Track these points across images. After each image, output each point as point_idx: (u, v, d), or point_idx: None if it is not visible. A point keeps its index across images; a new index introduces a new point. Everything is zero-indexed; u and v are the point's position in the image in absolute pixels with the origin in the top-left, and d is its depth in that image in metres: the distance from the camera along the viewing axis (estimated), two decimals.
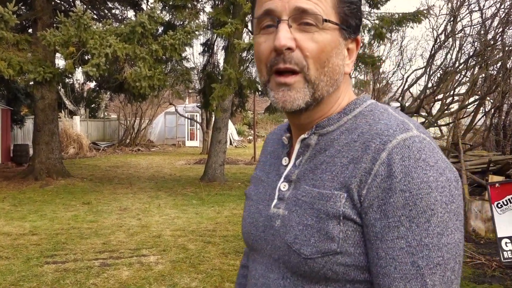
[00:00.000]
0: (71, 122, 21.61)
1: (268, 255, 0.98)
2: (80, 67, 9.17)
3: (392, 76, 13.82)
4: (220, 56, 24.35)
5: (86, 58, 10.48)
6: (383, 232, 0.81)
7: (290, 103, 0.91)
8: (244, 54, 12.49)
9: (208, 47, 14.30)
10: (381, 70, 11.80)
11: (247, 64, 12.47)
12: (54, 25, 11.07)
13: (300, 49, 0.89)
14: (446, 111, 10.73)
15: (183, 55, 10.52)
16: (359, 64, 11.19)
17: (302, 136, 0.98)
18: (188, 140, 28.83)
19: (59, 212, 8.83)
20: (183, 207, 9.46)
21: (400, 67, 13.46)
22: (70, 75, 13.48)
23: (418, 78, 10.38)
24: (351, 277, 0.86)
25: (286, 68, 0.89)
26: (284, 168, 1.00)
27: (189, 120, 27.85)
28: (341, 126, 0.93)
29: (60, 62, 14.83)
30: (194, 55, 24.49)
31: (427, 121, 9.57)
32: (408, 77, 10.76)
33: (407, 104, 10.53)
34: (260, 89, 12.99)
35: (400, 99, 10.25)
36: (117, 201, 9.98)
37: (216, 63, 15.05)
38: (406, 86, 10.51)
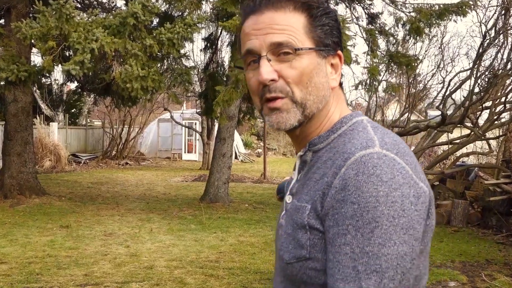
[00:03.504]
0: (47, 130, 21.70)
1: (278, 261, 1.28)
2: (60, 65, 9.22)
3: (430, 79, 13.77)
4: (225, 54, 24.47)
5: (68, 55, 10.56)
6: (333, 238, 1.06)
7: (283, 124, 1.21)
8: None
9: (211, 43, 14.35)
10: (417, 72, 11.77)
11: None
12: (31, 15, 11.18)
13: (282, 78, 1.18)
14: (496, 122, 10.70)
15: (182, 51, 10.56)
16: (391, 64, 11.18)
17: (299, 153, 1.28)
18: (185, 152, 28.88)
19: (33, 236, 8.84)
20: (180, 232, 9.43)
21: (440, 69, 13.43)
22: (48, 74, 13.56)
23: (462, 82, 10.36)
24: (322, 280, 1.11)
25: (272, 96, 1.19)
26: (292, 181, 1.31)
27: (186, 129, 27.91)
28: (329, 144, 1.21)
29: (36, 58, 14.93)
30: (194, 52, 24.51)
31: (472, 133, 9.52)
32: (451, 80, 10.64)
33: (449, 113, 10.49)
34: None
35: (441, 106, 10.21)
36: (101, 225, 9.97)
37: (220, 62, 15.11)
38: (448, 91, 10.47)
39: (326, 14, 1.23)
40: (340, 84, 1.30)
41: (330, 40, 1.23)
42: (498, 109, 10.51)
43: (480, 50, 9.73)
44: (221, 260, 7.52)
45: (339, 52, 1.25)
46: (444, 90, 10.66)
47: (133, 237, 8.95)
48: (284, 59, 1.18)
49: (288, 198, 1.27)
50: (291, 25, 1.19)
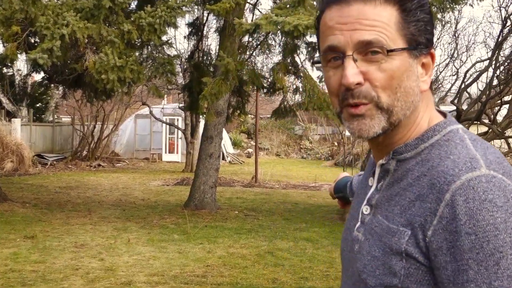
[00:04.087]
0: (8, 127, 21.55)
1: (350, 276, 1.29)
2: (25, 53, 9.16)
3: (443, 70, 13.81)
4: (212, 41, 24.44)
5: (34, 42, 10.50)
6: (454, 275, 1.04)
7: (366, 131, 1.19)
8: (246, 38, 12.52)
9: (196, 29, 14.32)
10: None
11: (251, 52, 12.47)
12: None
13: (369, 81, 1.15)
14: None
15: (165, 38, 10.55)
16: None
17: (380, 162, 1.25)
18: (166, 153, 28.77)
19: None
20: (161, 243, 9.40)
21: (453, 58, 13.46)
22: (10, 64, 13.49)
23: (480, 74, 10.38)
24: None
25: (355, 103, 1.17)
26: (369, 188, 1.30)
27: (168, 126, 27.80)
28: (418, 154, 1.19)
29: None
30: (177, 40, 24.49)
31: (490, 131, 9.57)
32: (467, 71, 10.65)
33: (464, 108, 10.52)
34: (266, 85, 13.03)
35: (456, 101, 10.24)
36: (71, 235, 9.92)
37: (207, 50, 15.08)
38: (463, 84, 10.51)
39: (421, 7, 1.19)
40: (430, 86, 1.26)
41: (423, 37, 1.20)
42: None
43: (500, 38, 9.78)
44: (209, 274, 7.51)
45: (432, 50, 1.22)
46: (458, 82, 10.69)
47: (108, 249, 8.91)
48: (372, 59, 1.16)
49: (365, 209, 1.27)
50: (382, 21, 1.16)
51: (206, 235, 10.14)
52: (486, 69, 10.25)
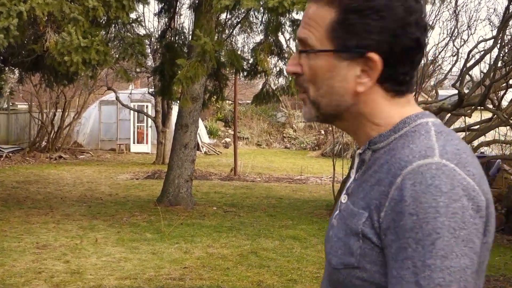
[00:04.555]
0: None
1: (327, 265, 1.45)
2: None
3: (442, 50, 13.80)
4: (186, 19, 24.30)
5: None
6: (396, 253, 1.21)
7: (304, 116, 1.48)
8: (224, 15, 12.45)
9: (168, 5, 14.22)
10: (427, 42, 11.82)
11: (230, 31, 12.41)
12: None
13: (303, 73, 1.39)
14: None
15: (134, 16, 10.47)
16: None
17: (358, 151, 1.43)
18: (134, 143, 28.62)
19: None
20: (133, 243, 9.38)
21: (453, 37, 13.51)
22: None
23: (484, 54, 10.41)
24: None
25: (297, 90, 1.45)
26: (350, 179, 1.48)
27: (136, 114, 27.66)
28: (389, 144, 1.35)
29: None
30: (146, 17, 24.29)
31: (495, 117, 9.63)
32: (470, 51, 10.65)
33: (467, 91, 10.58)
34: (246, 68, 12.99)
35: (458, 84, 10.28)
36: (32, 234, 9.86)
37: (180, 29, 15.00)
38: (465, 66, 10.55)
39: (360, 12, 1.31)
40: (399, 90, 1.38)
41: (355, 41, 1.32)
42: None
43: (506, 15, 9.81)
44: (187, 277, 7.51)
45: (371, 55, 1.32)
46: (459, 64, 10.73)
47: (73, 250, 8.87)
48: (306, 55, 1.38)
49: (343, 198, 1.44)
50: (316, 20, 1.35)
51: (182, 233, 10.13)
52: (490, 49, 10.29)
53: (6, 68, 20.47)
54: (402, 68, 1.35)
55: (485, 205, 1.24)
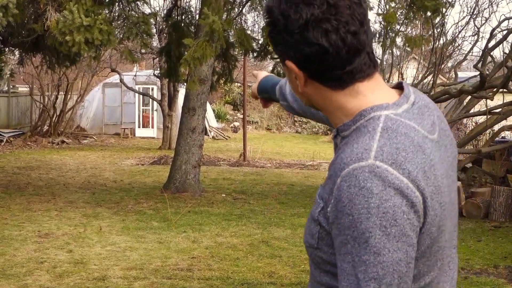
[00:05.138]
0: None
1: None
2: None
3: (463, 29, 13.57)
4: None
5: None
6: (339, 247, 1.40)
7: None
8: None
9: None
10: (446, 21, 11.67)
11: (240, 9, 12.26)
12: None
13: None
14: None
15: None
16: (413, 9, 11.06)
17: (331, 135, 1.72)
18: (139, 127, 28.56)
19: None
20: (138, 232, 9.33)
21: (474, 16, 13.32)
22: None
23: (507, 34, 10.23)
24: (327, 268, 1.53)
25: None
26: None
27: (141, 97, 27.57)
28: (350, 133, 1.51)
29: None
30: None
31: None
32: (493, 30, 10.44)
33: (488, 72, 10.42)
34: (256, 48, 12.86)
35: (479, 65, 10.13)
36: (33, 223, 9.82)
37: (187, 8, 14.85)
38: (488, 46, 10.38)
39: (272, 28, 1.54)
40: (338, 83, 1.54)
41: (279, 53, 1.57)
42: None
43: None
44: (195, 268, 7.44)
45: (286, 62, 1.53)
46: (481, 44, 10.56)
47: (76, 239, 8.82)
48: None
49: (323, 183, 1.58)
50: None
51: (190, 222, 10.06)
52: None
53: (6, 49, 20.42)
54: (324, 67, 1.50)
55: (421, 200, 1.39)
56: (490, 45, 10.61)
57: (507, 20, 11.18)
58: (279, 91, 2.28)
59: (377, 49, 14.89)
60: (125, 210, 11.01)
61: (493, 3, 16.63)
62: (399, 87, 1.63)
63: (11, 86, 28.81)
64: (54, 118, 25.49)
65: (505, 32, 10.77)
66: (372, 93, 1.55)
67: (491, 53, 11.98)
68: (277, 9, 1.50)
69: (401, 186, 1.36)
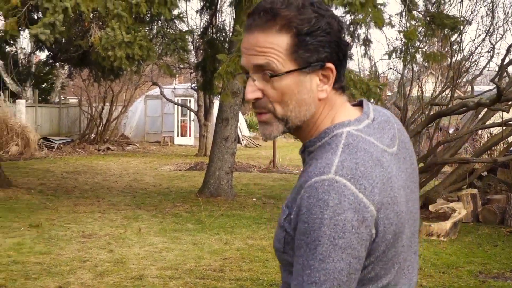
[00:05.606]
0: (13, 109, 21.38)
1: None
2: (27, 29, 8.85)
3: (479, 45, 13.22)
4: (226, 16, 23.99)
5: (36, 18, 10.19)
6: (296, 249, 1.42)
7: (268, 135, 1.56)
8: None
9: (210, 3, 13.95)
10: (463, 38, 11.33)
11: None
12: None
13: (266, 96, 1.51)
14: None
15: (176, 12, 10.19)
16: (431, 27, 10.77)
17: (299, 151, 1.64)
18: (178, 135, 28.51)
19: None
20: (175, 233, 9.14)
21: (489, 33, 12.94)
22: (12, 41, 13.21)
23: None
24: (292, 270, 1.46)
25: (257, 112, 1.56)
26: None
27: (179, 108, 27.53)
28: (315, 149, 1.52)
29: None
30: (188, 15, 24.08)
31: None
32: (510, 46, 10.07)
33: (504, 86, 10.05)
34: None
35: (497, 79, 9.77)
36: (78, 224, 9.69)
37: (221, 26, 14.70)
38: (506, 60, 10.02)
39: (312, 33, 1.47)
40: (342, 88, 1.59)
41: (316, 57, 1.48)
42: None
43: None
44: (226, 268, 7.22)
45: (329, 65, 1.50)
46: (497, 59, 10.21)
47: (117, 239, 8.66)
48: (266, 79, 1.49)
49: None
50: (273, 47, 1.47)
51: (223, 224, 9.85)
52: None
53: (57, 64, 20.51)
54: (342, 70, 1.55)
55: (374, 214, 1.40)
56: (507, 60, 10.23)
57: None
58: None
59: (398, 64, 14.62)
60: (163, 213, 10.83)
61: (508, 21, 16.27)
62: (360, 104, 1.62)
63: (62, 98, 28.97)
64: (100, 127, 25.56)
65: None
66: (343, 107, 1.58)
67: (507, 69, 11.63)
68: (310, 10, 1.49)
69: (355, 201, 1.37)
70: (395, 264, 1.51)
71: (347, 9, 8.12)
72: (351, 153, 1.43)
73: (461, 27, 10.57)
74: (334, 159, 1.42)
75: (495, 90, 9.97)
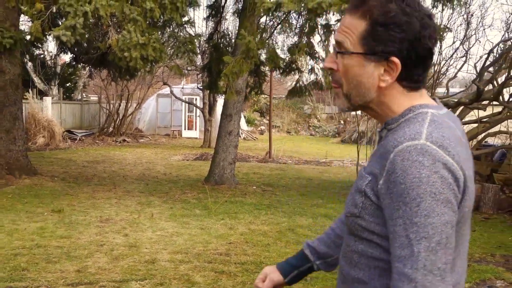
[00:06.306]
0: (40, 105, 20.93)
1: None
2: (51, 33, 8.34)
3: (454, 52, 12.71)
4: (229, 24, 23.54)
5: (60, 23, 9.69)
6: (391, 213, 1.33)
7: (338, 107, 1.60)
8: (263, 19, 11.60)
9: (216, 11, 13.43)
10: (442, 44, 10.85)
11: (272, 31, 11.54)
12: None
13: (338, 70, 1.51)
14: None
15: (186, 18, 9.66)
16: None
17: (377, 129, 1.60)
18: (185, 129, 28.23)
19: (21, 223, 8.06)
20: (184, 218, 8.66)
21: (464, 40, 12.45)
22: (38, 44, 12.67)
23: (502, 54, 9.39)
24: (364, 235, 1.44)
25: (332, 84, 1.58)
26: None
27: (187, 105, 27.28)
28: (398, 125, 1.45)
29: (26, 26, 14.01)
30: (196, 23, 23.60)
31: (506, 110, 8.67)
32: (491, 50, 9.63)
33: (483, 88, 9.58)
34: (282, 66, 12.16)
35: (477, 81, 9.31)
36: (96, 209, 9.21)
37: (226, 32, 14.19)
38: (485, 63, 9.56)
39: (386, 25, 1.39)
40: (413, 88, 1.47)
41: (382, 48, 1.41)
42: None
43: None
44: (232, 252, 6.75)
45: (394, 59, 1.40)
46: (471, 62, 9.76)
47: (132, 224, 8.18)
48: (341, 55, 1.47)
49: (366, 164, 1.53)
50: (351, 29, 1.45)
51: (227, 210, 9.37)
52: (508, 50, 9.28)
53: (79, 65, 19.99)
54: (416, 71, 1.43)
55: (463, 179, 1.32)
56: (487, 64, 9.77)
57: (504, 42, 10.27)
58: (312, 252, 2.01)
59: None
60: (173, 199, 10.35)
61: (478, 28, 15.82)
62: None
63: (84, 96, 28.71)
64: (117, 122, 25.28)
65: (499, 53, 9.93)
66: (424, 98, 1.49)
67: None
68: (398, 7, 1.40)
69: (447, 162, 1.29)
70: (459, 245, 1.39)
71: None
72: (437, 128, 1.36)
73: (442, 33, 10.06)
74: (423, 130, 1.35)
75: (461, 93, 9.57)
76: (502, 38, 10.38)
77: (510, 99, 9.74)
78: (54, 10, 8.30)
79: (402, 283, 1.28)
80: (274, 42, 12.51)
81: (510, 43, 9.19)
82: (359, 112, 28.85)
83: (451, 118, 1.47)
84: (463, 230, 1.40)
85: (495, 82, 10.23)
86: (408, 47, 1.40)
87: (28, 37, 9.38)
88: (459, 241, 1.37)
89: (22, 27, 10.71)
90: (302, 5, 7.51)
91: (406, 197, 1.27)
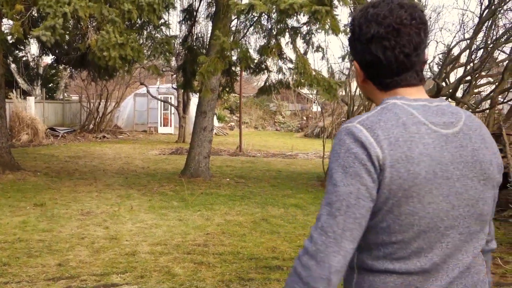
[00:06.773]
0: (24, 104, 20.10)
1: None
2: (30, 32, 7.78)
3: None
4: (202, 28, 22.98)
5: (40, 24, 9.12)
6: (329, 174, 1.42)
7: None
8: (234, 22, 11.19)
9: (189, 15, 12.94)
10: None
11: (245, 32, 11.11)
12: None
13: None
14: (478, 94, 9.70)
15: (163, 20, 9.18)
16: None
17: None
18: (161, 126, 27.69)
19: (4, 217, 7.52)
20: (162, 210, 8.23)
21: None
22: (21, 46, 12.01)
23: (460, 53, 9.19)
24: None
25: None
26: None
27: (162, 103, 26.77)
28: None
29: (8, 28, 13.31)
30: (171, 25, 23.08)
31: (465, 106, 8.48)
32: (450, 49, 9.39)
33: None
34: (252, 66, 11.77)
35: (437, 78, 9.08)
36: (78, 202, 8.70)
37: (199, 35, 13.72)
38: (446, 62, 9.32)
39: (352, 33, 1.50)
40: (384, 88, 1.50)
41: (353, 53, 1.53)
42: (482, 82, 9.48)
43: (481, 19, 8.54)
44: (210, 243, 6.36)
45: (354, 63, 1.53)
46: (432, 62, 9.55)
47: (112, 216, 7.72)
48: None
49: None
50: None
51: (203, 202, 8.97)
52: (464, 50, 9.07)
53: (60, 67, 19.24)
54: (377, 73, 1.47)
55: (380, 156, 1.31)
56: (447, 62, 9.56)
57: (464, 41, 10.06)
58: None
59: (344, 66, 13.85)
60: (151, 192, 9.89)
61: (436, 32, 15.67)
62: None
63: (66, 95, 27.90)
64: (97, 119, 24.56)
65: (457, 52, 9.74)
66: (402, 94, 1.47)
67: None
68: (357, 21, 1.46)
69: (365, 141, 1.32)
70: (414, 226, 1.35)
71: (315, 16, 7.21)
72: (380, 113, 1.39)
73: None
74: (366, 115, 1.40)
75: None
76: (459, 39, 10.19)
77: (464, 95, 9.56)
78: (34, 12, 7.73)
79: (307, 238, 1.36)
80: (247, 43, 12.06)
81: (466, 43, 8.96)
82: (319, 109, 28.50)
83: (431, 109, 1.40)
84: (411, 212, 1.33)
85: (447, 80, 10.10)
86: (361, 52, 1.47)
87: (9, 38, 8.78)
88: (412, 223, 1.34)
89: (3, 29, 10.06)
90: (274, 6, 7.17)
91: (329, 170, 1.36)
